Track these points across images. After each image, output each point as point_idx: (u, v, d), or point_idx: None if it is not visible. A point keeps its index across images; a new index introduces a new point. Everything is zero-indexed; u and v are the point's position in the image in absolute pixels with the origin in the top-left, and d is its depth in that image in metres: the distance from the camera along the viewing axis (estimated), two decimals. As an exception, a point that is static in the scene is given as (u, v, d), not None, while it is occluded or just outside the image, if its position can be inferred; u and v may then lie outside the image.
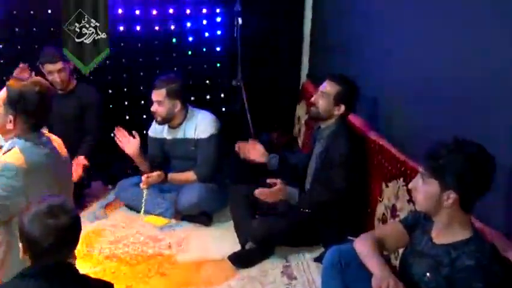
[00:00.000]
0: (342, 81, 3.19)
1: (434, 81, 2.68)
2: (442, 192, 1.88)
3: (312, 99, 3.28)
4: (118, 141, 3.71)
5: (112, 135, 3.81)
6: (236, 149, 3.55)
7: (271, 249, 3.25)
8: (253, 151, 3.51)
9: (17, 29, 4.51)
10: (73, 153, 3.00)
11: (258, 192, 3.13)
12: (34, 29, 4.50)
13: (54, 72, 3.93)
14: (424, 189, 1.94)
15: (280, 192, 3.15)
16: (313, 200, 3.16)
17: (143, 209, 3.67)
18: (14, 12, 4.48)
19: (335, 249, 2.30)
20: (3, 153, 2.37)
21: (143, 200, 3.65)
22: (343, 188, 3.07)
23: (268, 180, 3.18)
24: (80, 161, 3.83)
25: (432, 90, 2.69)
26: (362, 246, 2.14)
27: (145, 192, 3.66)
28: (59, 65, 3.94)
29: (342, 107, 3.18)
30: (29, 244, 1.81)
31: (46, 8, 4.48)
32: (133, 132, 3.72)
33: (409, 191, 2.59)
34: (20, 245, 1.84)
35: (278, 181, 3.15)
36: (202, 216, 3.72)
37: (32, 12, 4.50)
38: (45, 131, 2.61)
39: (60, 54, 4.04)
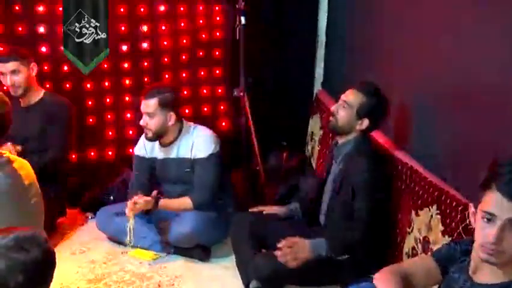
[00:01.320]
0: (369, 92, 3.19)
1: (478, 89, 2.61)
2: None
3: (332, 107, 3.30)
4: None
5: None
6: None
7: (279, 289, 3.23)
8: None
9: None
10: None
11: (280, 255, 3.02)
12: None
13: (7, 73, 3.89)
14: None
15: (304, 250, 3.03)
16: (347, 242, 3.06)
17: (129, 240, 3.67)
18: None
19: (354, 289, 2.29)
20: None
21: (128, 230, 3.65)
22: (370, 221, 3.05)
23: (280, 244, 3.04)
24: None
25: (475, 100, 2.63)
26: (384, 283, 2.12)
27: (130, 220, 3.66)
28: (11, 65, 3.88)
29: (366, 122, 3.19)
30: (-9, 285, 1.80)
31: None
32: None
33: (444, 222, 2.58)
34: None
35: (296, 239, 3.05)
36: (199, 250, 3.72)
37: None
38: (4, 151, 2.60)
39: (20, 53, 3.97)
